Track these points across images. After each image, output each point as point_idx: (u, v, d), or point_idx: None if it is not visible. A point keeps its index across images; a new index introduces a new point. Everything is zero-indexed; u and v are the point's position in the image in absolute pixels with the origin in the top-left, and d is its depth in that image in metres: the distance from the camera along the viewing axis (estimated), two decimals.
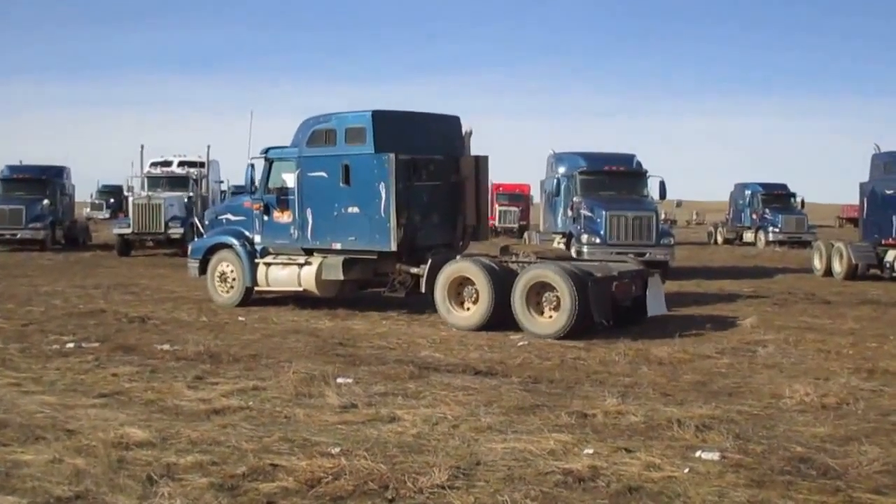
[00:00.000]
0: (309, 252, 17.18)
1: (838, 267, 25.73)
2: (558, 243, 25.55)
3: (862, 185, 26.30)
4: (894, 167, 24.19)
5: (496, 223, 49.97)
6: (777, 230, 43.63)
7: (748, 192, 46.49)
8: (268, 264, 17.58)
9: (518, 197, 54.13)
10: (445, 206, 17.18)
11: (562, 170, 26.70)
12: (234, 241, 18.06)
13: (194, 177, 34.30)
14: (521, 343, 13.63)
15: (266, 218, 17.68)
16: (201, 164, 35.04)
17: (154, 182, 34.45)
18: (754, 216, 45.57)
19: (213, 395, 9.81)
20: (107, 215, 63.52)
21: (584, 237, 23.15)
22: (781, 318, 16.53)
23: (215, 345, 13.20)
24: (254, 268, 17.68)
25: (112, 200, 67.44)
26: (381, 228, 16.00)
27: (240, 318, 16.20)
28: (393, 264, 16.43)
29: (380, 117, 16.33)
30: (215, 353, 12.49)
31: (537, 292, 14.41)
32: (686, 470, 7.22)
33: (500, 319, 14.69)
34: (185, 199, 33.55)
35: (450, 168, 17.22)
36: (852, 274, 25.06)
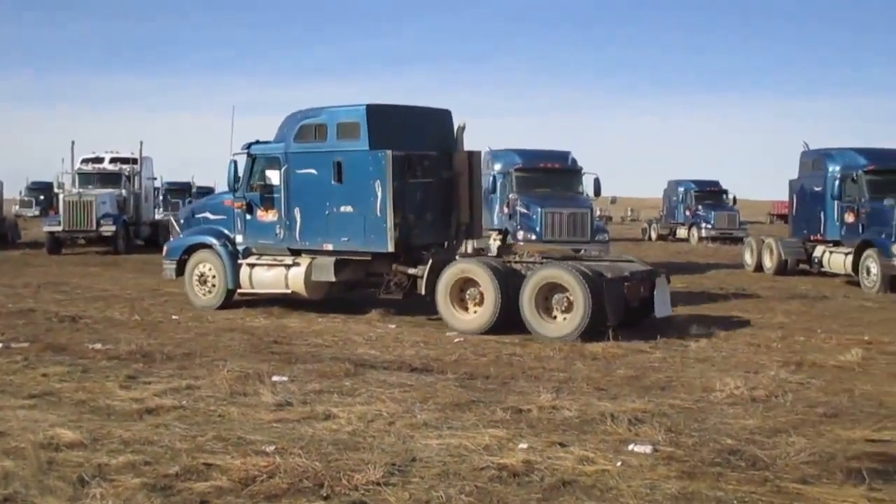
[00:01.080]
0: (296, 252, 16.54)
1: (769, 262, 26.26)
2: (494, 240, 25.64)
3: (791, 183, 26.83)
4: (822, 165, 24.72)
5: None
6: (709, 226, 44.30)
7: (681, 189, 47.15)
8: (251, 265, 16.90)
9: None
10: (439, 204, 16.59)
11: (497, 167, 26.76)
12: (215, 241, 17.36)
13: (127, 173, 33.85)
14: (457, 339, 13.69)
15: (249, 217, 16.98)
16: (134, 161, 34.58)
17: (85, 179, 33.85)
18: (687, 213, 46.23)
19: (145, 395, 9.70)
20: (36, 213, 62.17)
21: (521, 234, 23.25)
22: (713, 313, 16.78)
23: (148, 344, 13.04)
24: (236, 269, 17.00)
25: (42, 197, 66.07)
26: (377, 228, 15.40)
27: (174, 317, 16.02)
28: (387, 265, 15.90)
29: (374, 111, 15.70)
30: (148, 352, 12.35)
31: (546, 294, 13.96)
32: (619, 463, 7.32)
33: (505, 322, 14.24)
34: (118, 196, 33.04)
35: (443, 164, 16.65)
36: (782, 269, 25.60)
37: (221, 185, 19.37)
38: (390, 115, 16.17)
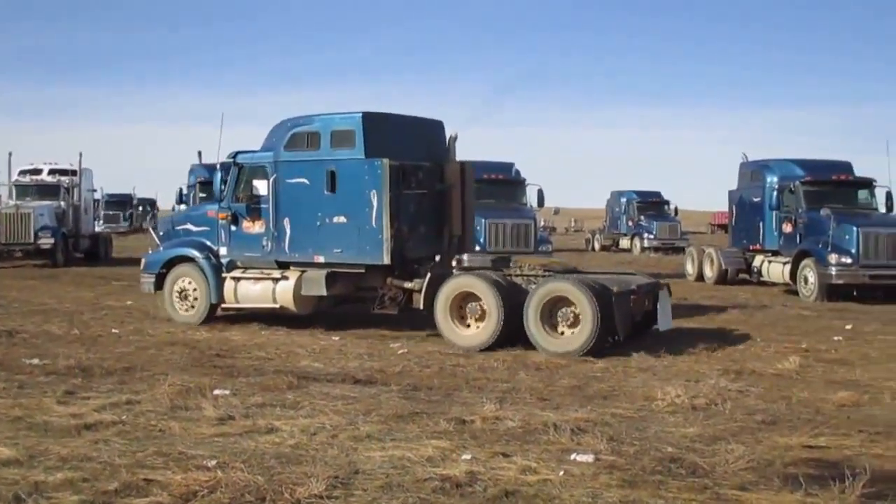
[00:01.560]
0: (284, 265, 15.91)
1: (709, 272, 26.65)
2: None
3: (731, 193, 27.27)
4: (761, 176, 25.15)
5: None
6: (652, 237, 44.86)
7: (624, 200, 47.67)
8: (236, 279, 16.22)
9: None
10: (431, 216, 16.00)
11: None
12: (197, 254, 16.63)
13: (66, 185, 33.31)
14: (401, 351, 13.67)
15: (234, 228, 16.34)
16: (73, 173, 34.05)
17: (23, 191, 33.27)
18: (630, 223, 46.75)
19: (84, 410, 9.53)
20: None
21: None
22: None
23: (87, 358, 12.83)
24: (220, 283, 16.34)
25: None
26: (372, 240, 14.83)
27: (114, 331, 15.78)
28: (380, 278, 15.33)
29: (370, 119, 15.17)
30: (87, 366, 12.15)
31: (551, 308, 13.58)
32: (561, 473, 7.36)
33: (507, 337, 13.86)
34: (56, 209, 32.49)
35: (435, 175, 16.09)
36: (722, 278, 26.00)
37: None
38: (385, 124, 15.68)
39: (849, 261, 21.30)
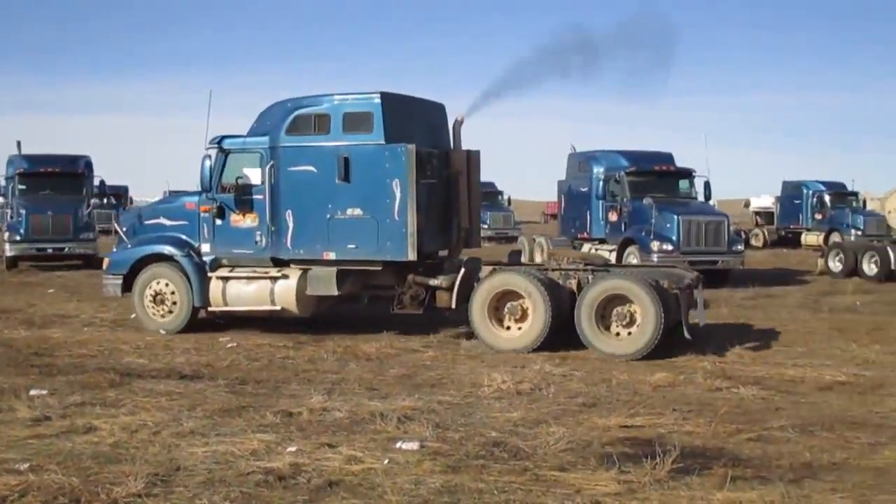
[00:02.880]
0: (281, 263, 14.38)
1: (539, 260, 27.22)
2: None
3: (560, 184, 27.92)
4: (588, 166, 25.86)
5: None
6: (485, 226, 45.44)
7: None
8: (224, 279, 14.45)
9: None
10: (440, 207, 14.57)
11: None
12: (176, 252, 14.74)
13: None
14: (229, 345, 13.43)
15: (219, 222, 14.55)
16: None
17: None
18: None
19: None
20: None
21: None
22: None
23: None
24: (204, 284, 14.52)
25: None
26: (395, 234, 13.52)
27: None
28: (396, 276, 14.09)
29: (389, 100, 13.84)
30: None
31: (604, 307, 12.74)
32: (386, 461, 7.42)
33: (552, 338, 12.99)
34: None
35: (443, 163, 14.66)
36: None
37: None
38: (402, 106, 14.39)
39: (670, 247, 22.16)
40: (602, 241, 25.01)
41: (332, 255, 13.95)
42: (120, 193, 52.93)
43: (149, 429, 8.49)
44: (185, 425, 8.61)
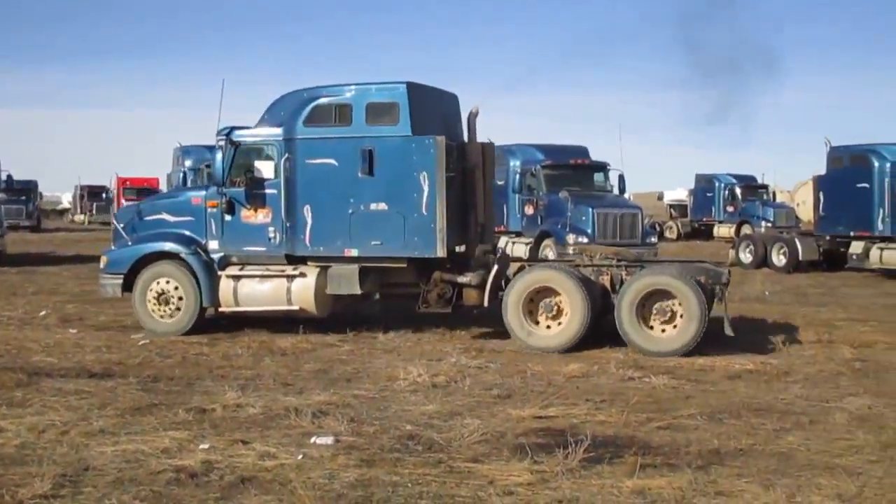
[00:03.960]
0: (296, 260, 13.80)
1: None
2: None
3: None
4: (504, 160, 25.90)
5: None
6: None
7: None
8: (236, 277, 13.77)
9: (146, 191, 52.22)
10: (457, 202, 13.96)
11: (188, 163, 26.27)
12: (182, 249, 14.00)
13: None
14: (142, 342, 13.20)
15: (229, 218, 13.86)
16: None
17: None
18: None
19: None
20: None
21: None
22: (400, 306, 17.17)
23: None
24: (214, 283, 13.84)
25: None
26: (423, 230, 13.06)
27: None
28: (419, 273, 13.61)
29: (415, 90, 13.37)
30: None
31: (643, 303, 12.41)
32: (300, 456, 7.39)
33: (588, 335, 12.67)
34: None
35: (460, 155, 14.15)
36: None
37: None
38: (425, 96, 13.88)
39: (585, 240, 22.38)
40: (518, 235, 25.23)
41: (354, 252, 13.47)
42: (30, 189, 51.73)
43: (57, 429, 8.31)
44: (94, 424, 8.45)
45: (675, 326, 12.34)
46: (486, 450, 7.65)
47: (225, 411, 8.98)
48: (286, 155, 13.58)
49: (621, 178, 25.15)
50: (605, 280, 13.03)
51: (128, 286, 14.19)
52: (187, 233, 14.22)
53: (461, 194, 14.11)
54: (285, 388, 10.15)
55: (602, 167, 25.39)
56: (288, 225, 13.61)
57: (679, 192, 54.12)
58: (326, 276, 13.58)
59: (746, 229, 39.62)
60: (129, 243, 14.65)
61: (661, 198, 59.67)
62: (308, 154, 13.52)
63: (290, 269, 13.68)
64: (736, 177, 44.34)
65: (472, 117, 14.30)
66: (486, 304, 13.38)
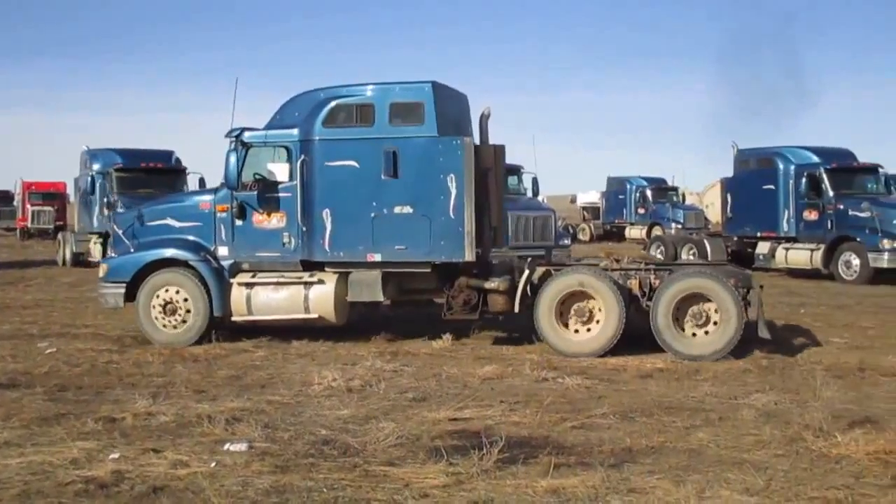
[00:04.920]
0: (312, 266, 13.33)
1: None
2: (95, 243, 24.67)
3: None
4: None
5: (29, 224, 47.59)
6: None
7: None
8: (248, 285, 13.30)
9: (53, 196, 51.02)
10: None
11: (96, 167, 25.75)
12: (191, 256, 13.47)
13: None
14: (48, 350, 12.88)
15: (240, 222, 13.40)
16: None
17: None
18: None
19: None
20: None
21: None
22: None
23: None
24: (225, 291, 13.34)
25: None
26: (450, 233, 12.72)
27: None
28: (442, 279, 13.29)
29: (441, 90, 13.04)
30: None
31: (678, 307, 12.23)
32: (213, 464, 7.29)
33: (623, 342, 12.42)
34: None
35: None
36: None
37: None
38: (448, 96, 13.61)
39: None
40: None
41: (376, 257, 13.07)
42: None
43: None
44: None
45: (706, 332, 12.25)
46: (401, 453, 7.64)
47: (136, 420, 8.81)
48: (303, 157, 13.18)
49: (535, 181, 25.43)
50: (634, 284, 12.77)
51: (131, 296, 13.67)
52: (194, 238, 13.72)
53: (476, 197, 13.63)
54: (198, 395, 10.00)
55: (516, 170, 25.54)
56: (304, 229, 13.22)
57: (592, 195, 54.87)
58: (346, 283, 13.25)
59: (657, 231, 40.39)
60: (132, 250, 14.07)
61: (574, 200, 60.43)
62: (327, 156, 13.13)
63: (307, 276, 13.26)
64: (647, 179, 45.18)
65: (485, 119, 13.80)
66: (516, 309, 13.01)
